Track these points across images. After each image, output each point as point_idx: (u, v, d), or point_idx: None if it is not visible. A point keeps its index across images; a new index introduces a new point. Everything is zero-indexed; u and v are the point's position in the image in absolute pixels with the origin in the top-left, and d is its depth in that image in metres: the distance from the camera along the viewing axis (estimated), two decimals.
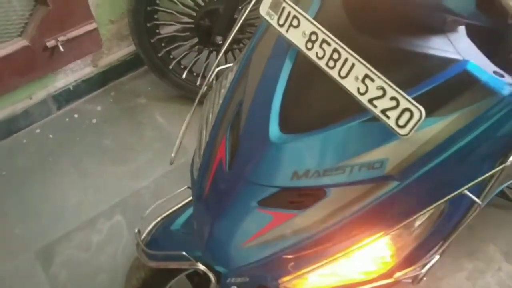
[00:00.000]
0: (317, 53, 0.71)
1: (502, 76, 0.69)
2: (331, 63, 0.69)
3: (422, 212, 0.72)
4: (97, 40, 1.81)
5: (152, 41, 1.78)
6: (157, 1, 1.70)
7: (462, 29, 0.74)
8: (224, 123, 0.86)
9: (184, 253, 0.99)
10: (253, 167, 0.79)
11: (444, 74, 0.68)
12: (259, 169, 0.78)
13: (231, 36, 0.97)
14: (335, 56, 0.69)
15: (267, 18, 0.77)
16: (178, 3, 1.72)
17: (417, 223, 0.78)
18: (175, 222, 1.12)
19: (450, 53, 0.70)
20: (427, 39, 0.71)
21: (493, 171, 0.69)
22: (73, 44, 1.71)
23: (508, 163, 0.68)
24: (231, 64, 0.98)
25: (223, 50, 0.96)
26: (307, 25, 0.71)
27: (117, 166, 1.83)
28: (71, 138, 1.91)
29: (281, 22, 0.74)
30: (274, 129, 0.76)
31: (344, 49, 0.67)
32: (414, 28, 0.71)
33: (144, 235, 1.13)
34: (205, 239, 0.88)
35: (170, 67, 1.86)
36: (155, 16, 1.74)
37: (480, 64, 0.69)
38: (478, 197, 0.73)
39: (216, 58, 0.94)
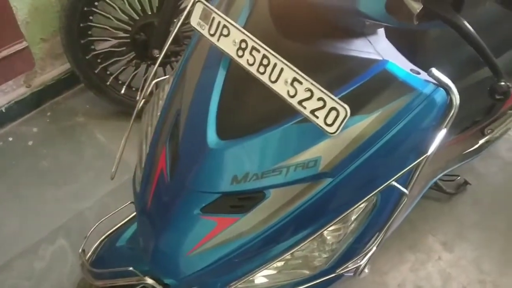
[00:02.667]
0: (247, 60, 0.74)
1: (418, 73, 0.75)
2: (262, 69, 0.72)
3: (355, 206, 0.76)
4: (29, 59, 1.75)
5: (87, 57, 1.75)
6: (90, 17, 1.68)
7: (381, 31, 0.80)
8: (163, 134, 0.87)
9: (131, 268, 0.98)
10: (193, 175, 0.80)
11: (366, 74, 0.73)
12: (200, 176, 0.80)
13: (165, 49, 0.98)
14: (265, 62, 0.72)
15: (198, 28, 0.79)
16: (112, 18, 1.71)
17: (353, 217, 0.82)
18: (120, 239, 1.10)
19: (370, 54, 0.75)
20: (349, 42, 0.76)
21: (416, 162, 0.74)
22: (2, 65, 1.65)
23: (429, 153, 0.74)
24: (167, 76, 0.99)
25: (158, 63, 0.97)
26: (237, 34, 0.74)
27: (57, 188, 1.77)
28: (6, 162, 1.83)
29: (212, 32, 0.77)
30: (212, 136, 0.78)
31: (272, 55, 0.71)
32: (336, 32, 0.76)
33: (89, 254, 1.11)
34: (151, 252, 0.88)
35: (108, 83, 1.83)
36: (89, 32, 1.72)
37: (398, 63, 0.74)
38: (406, 187, 0.78)
39: (152, 71, 0.94)
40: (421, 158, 0.74)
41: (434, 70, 0.73)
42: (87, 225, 1.69)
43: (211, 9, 0.76)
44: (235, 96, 0.79)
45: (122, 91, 1.86)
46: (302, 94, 0.69)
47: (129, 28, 1.75)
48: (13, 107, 1.88)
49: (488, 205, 1.84)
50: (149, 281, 0.97)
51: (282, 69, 0.70)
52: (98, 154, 1.86)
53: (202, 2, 0.77)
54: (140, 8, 1.72)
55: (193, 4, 0.79)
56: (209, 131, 0.78)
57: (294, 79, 0.70)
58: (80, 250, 1.08)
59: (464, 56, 1.19)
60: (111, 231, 1.13)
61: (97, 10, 1.67)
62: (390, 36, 0.81)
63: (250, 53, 0.73)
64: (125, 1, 1.68)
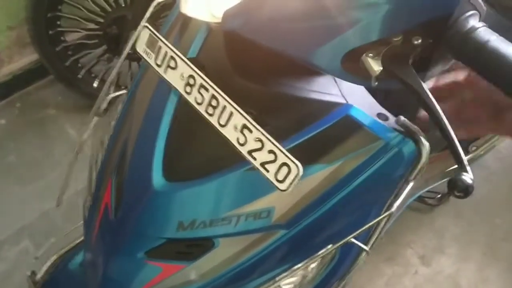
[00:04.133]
0: (196, 98, 0.65)
1: (387, 118, 0.67)
2: (211, 110, 0.64)
3: (310, 261, 0.69)
4: None
5: (57, 49, 1.66)
6: (59, 7, 1.58)
7: None
8: (110, 164, 0.80)
9: None
10: (137, 217, 0.73)
11: (327, 119, 0.66)
12: (143, 218, 0.73)
13: (121, 60, 0.89)
14: (214, 102, 0.64)
15: (145, 56, 0.70)
16: (83, 9, 1.61)
17: (312, 266, 0.76)
18: (73, 261, 1.04)
19: (333, 96, 0.67)
20: (311, 81, 0.68)
21: (378, 218, 0.67)
22: None
23: (393, 209, 0.67)
24: (123, 92, 0.91)
25: (116, 69, 0.88)
26: (185, 67, 0.66)
27: (23, 185, 1.70)
28: None
29: (158, 62, 0.68)
30: (157, 177, 0.71)
31: (222, 96, 0.63)
32: (298, 69, 0.67)
33: (39, 275, 1.05)
34: (97, 285, 0.83)
35: (79, 76, 1.74)
36: (58, 23, 1.62)
37: (364, 106, 0.67)
38: (367, 243, 0.71)
39: (107, 79, 0.86)
40: (384, 215, 0.67)
41: (402, 118, 0.65)
42: (53, 225, 1.63)
43: (157, 36, 0.67)
44: (184, 134, 0.71)
45: (95, 85, 1.77)
46: (252, 144, 0.62)
47: (101, 20, 1.65)
48: None
49: (469, 217, 1.79)
50: None
51: (231, 113, 0.62)
52: (68, 150, 1.78)
53: (148, 28, 0.69)
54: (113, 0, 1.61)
55: (141, 29, 0.70)
56: (155, 171, 0.71)
57: (244, 126, 0.62)
58: (29, 273, 1.02)
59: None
60: (63, 251, 1.07)
61: (67, 0, 1.57)
62: None
63: (199, 91, 0.65)
64: None
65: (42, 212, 1.64)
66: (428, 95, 0.51)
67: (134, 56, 1.60)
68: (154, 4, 0.79)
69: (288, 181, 0.60)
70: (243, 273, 0.72)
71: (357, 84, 0.59)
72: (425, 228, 1.75)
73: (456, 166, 1.40)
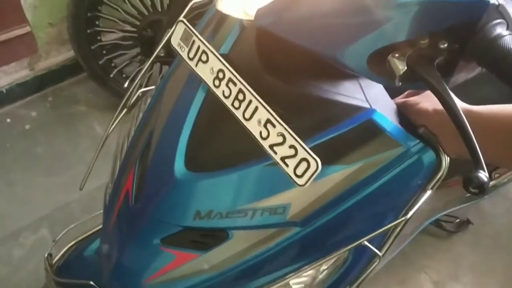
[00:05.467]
0: (223, 91, 0.68)
1: (409, 126, 0.68)
2: (237, 104, 0.66)
3: (323, 261, 0.70)
4: (31, 44, 1.73)
5: (92, 48, 1.72)
6: (99, 7, 1.64)
7: None
8: (135, 153, 0.83)
9: (91, 283, 0.94)
10: (156, 204, 0.75)
11: (350, 122, 0.67)
12: (163, 206, 0.75)
13: (155, 54, 0.93)
14: (240, 96, 0.66)
15: (178, 50, 0.73)
16: (121, 11, 1.66)
17: (323, 268, 0.77)
18: (89, 248, 1.06)
19: (357, 101, 0.68)
20: (337, 84, 0.69)
21: (393, 223, 0.67)
22: (3, 48, 1.62)
23: (408, 216, 0.67)
24: (153, 87, 0.94)
25: (143, 70, 0.92)
26: (215, 62, 0.68)
27: (48, 176, 1.75)
28: (1, 144, 1.81)
29: (191, 55, 0.71)
30: (179, 166, 0.73)
31: (248, 90, 0.65)
32: (325, 72, 0.69)
33: (56, 259, 1.07)
34: (109, 271, 0.85)
35: (111, 75, 1.80)
36: (97, 23, 1.68)
37: (387, 113, 0.68)
38: (381, 248, 0.71)
39: (138, 76, 0.89)
40: (398, 220, 0.67)
41: (424, 128, 0.66)
42: (72, 217, 1.66)
43: (192, 31, 0.70)
44: (209, 126, 0.73)
45: (125, 85, 1.82)
46: (274, 138, 0.63)
47: (137, 23, 1.70)
48: (15, 89, 1.86)
49: (488, 248, 1.75)
50: None
51: (256, 108, 0.64)
52: (94, 146, 1.81)
53: (184, 23, 0.72)
54: (150, 3, 1.67)
55: (177, 23, 0.73)
56: (178, 161, 0.73)
57: (268, 121, 0.63)
58: (46, 255, 1.05)
59: (479, 100, 1.11)
60: (81, 237, 1.09)
61: (106, 1, 1.63)
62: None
63: (227, 84, 0.67)
64: None
65: (64, 204, 1.69)
66: (451, 98, 0.52)
67: (166, 60, 1.66)
68: (191, 3, 0.83)
69: (306, 176, 0.61)
70: (254, 268, 0.73)
71: (381, 83, 0.60)
72: (441, 254, 1.72)
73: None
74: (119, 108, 0.97)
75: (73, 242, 1.08)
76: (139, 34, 1.72)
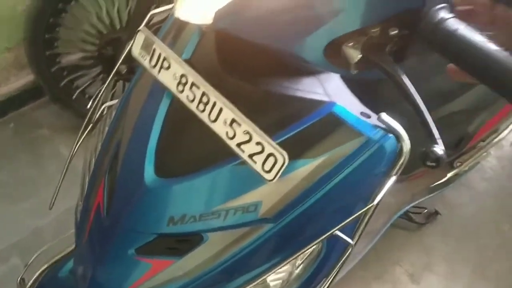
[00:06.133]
0: (187, 96, 0.69)
1: (369, 116, 0.71)
2: (201, 107, 0.68)
3: (297, 254, 0.71)
4: None
5: (52, 70, 1.70)
6: (57, 29, 1.63)
7: None
8: (103, 166, 0.83)
9: None
10: (129, 213, 0.75)
11: (312, 116, 0.69)
12: (135, 215, 0.75)
13: (115, 69, 0.95)
14: (205, 99, 0.67)
15: (140, 58, 0.74)
16: (79, 31, 1.66)
17: (298, 262, 0.78)
18: (63, 269, 1.04)
19: (318, 95, 0.71)
20: (297, 81, 0.72)
21: (362, 211, 0.70)
22: None
23: (375, 202, 0.70)
24: (117, 101, 0.95)
25: (105, 85, 0.93)
26: (177, 68, 0.70)
27: (14, 203, 1.70)
28: None
29: (152, 63, 0.72)
30: (149, 173, 0.74)
31: (212, 92, 0.66)
32: (284, 70, 0.72)
33: (29, 284, 1.05)
34: (86, 285, 0.84)
35: (74, 97, 1.78)
36: (55, 44, 1.66)
37: (347, 105, 0.71)
38: (353, 237, 0.74)
39: (100, 93, 0.90)
40: (367, 207, 0.70)
41: (384, 115, 0.69)
42: (44, 242, 1.62)
43: (152, 39, 0.72)
44: (176, 132, 0.75)
45: (88, 106, 1.80)
46: (241, 137, 0.65)
47: (97, 42, 1.70)
48: None
49: (457, 236, 1.81)
50: None
51: (221, 109, 0.66)
52: (61, 168, 1.78)
53: (143, 31, 0.73)
54: (109, 22, 1.67)
55: (137, 33, 0.74)
56: (147, 168, 0.74)
57: (233, 120, 0.65)
58: (19, 279, 1.02)
59: (430, 90, 1.16)
60: (54, 259, 1.07)
61: (64, 22, 1.62)
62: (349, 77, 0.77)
63: (190, 89, 0.69)
64: (94, 14, 1.63)
65: (34, 230, 1.65)
66: (403, 80, 0.55)
67: (128, 77, 1.66)
68: (151, 13, 0.84)
69: (274, 171, 0.63)
70: (231, 269, 0.74)
71: (339, 73, 0.63)
72: (414, 247, 1.76)
73: (443, 180, 1.44)
74: (83, 125, 0.97)
75: (46, 265, 1.06)
76: (99, 53, 1.71)
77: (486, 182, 1.99)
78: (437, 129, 1.29)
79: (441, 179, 1.45)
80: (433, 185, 1.44)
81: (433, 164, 0.56)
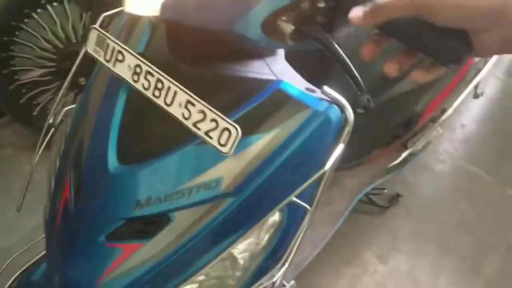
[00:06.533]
0: (143, 84, 0.74)
1: (313, 91, 0.77)
2: (157, 93, 0.73)
3: (259, 223, 0.76)
4: None
5: (11, 88, 1.70)
6: (11, 47, 1.64)
7: (281, 52, 0.82)
8: (68, 162, 0.86)
9: None
10: (96, 201, 0.79)
11: (261, 95, 0.75)
12: (102, 202, 0.78)
13: (70, 76, 0.98)
14: (159, 85, 0.72)
15: (95, 55, 0.79)
16: (36, 48, 1.67)
17: (262, 234, 0.83)
18: (36, 272, 1.06)
19: (266, 75, 0.76)
20: (245, 64, 0.77)
21: (314, 177, 0.75)
22: None
23: (326, 168, 0.75)
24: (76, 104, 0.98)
25: (62, 90, 0.96)
26: (131, 59, 0.74)
27: None
28: None
29: (107, 58, 0.77)
30: (112, 162, 0.77)
31: (166, 78, 0.71)
32: (232, 54, 0.77)
33: None
34: (60, 283, 0.86)
35: (35, 113, 1.78)
36: (12, 62, 1.67)
37: (293, 82, 0.77)
38: (311, 204, 0.79)
39: (58, 99, 0.93)
40: (319, 173, 0.75)
41: (326, 88, 0.75)
42: (14, 262, 1.61)
43: (105, 35, 0.76)
44: (136, 121, 0.79)
45: (51, 121, 1.81)
46: (196, 116, 0.70)
47: (54, 57, 1.71)
48: None
49: (419, 216, 1.91)
50: None
51: (175, 92, 0.71)
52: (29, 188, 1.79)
53: (96, 29, 0.77)
54: (64, 36, 1.69)
55: (90, 31, 0.79)
56: (110, 157, 0.77)
57: (188, 102, 0.70)
58: None
59: (378, 72, 1.24)
60: (26, 266, 1.09)
61: (19, 40, 1.63)
62: (294, 59, 0.84)
63: (145, 77, 0.73)
64: (48, 30, 1.65)
65: (2, 249, 1.63)
66: (333, 44, 0.61)
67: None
68: (103, 15, 0.89)
69: (229, 144, 0.68)
70: (199, 245, 0.78)
71: (278, 47, 0.68)
72: (379, 230, 1.85)
73: (398, 160, 1.53)
74: (44, 131, 1.00)
75: (18, 272, 1.07)
76: (57, 68, 1.72)
77: (442, 164, 2.10)
78: (387, 110, 1.38)
79: (396, 160, 1.53)
80: (389, 166, 1.53)
81: (363, 111, 0.62)
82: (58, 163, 0.92)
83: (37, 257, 1.09)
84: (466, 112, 2.33)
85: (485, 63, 1.57)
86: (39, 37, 1.65)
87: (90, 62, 1.64)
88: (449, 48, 0.54)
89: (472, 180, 2.06)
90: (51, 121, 1.03)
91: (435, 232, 1.86)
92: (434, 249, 1.81)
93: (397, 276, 1.72)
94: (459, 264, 1.77)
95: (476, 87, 1.63)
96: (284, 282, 1.05)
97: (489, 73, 1.97)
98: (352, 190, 1.44)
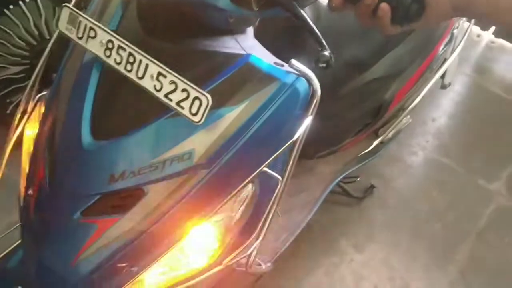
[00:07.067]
0: (115, 59, 0.75)
1: (282, 65, 0.80)
2: (129, 67, 0.74)
3: (232, 194, 0.78)
4: None
5: None
6: None
7: (250, 30, 0.85)
8: (42, 144, 0.86)
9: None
10: (70, 178, 0.80)
11: (231, 68, 0.77)
12: (76, 178, 0.79)
13: (40, 65, 0.99)
14: (131, 59, 0.74)
15: (67, 33, 0.80)
16: (8, 45, 1.66)
17: (236, 207, 0.85)
18: (11, 260, 1.05)
19: (235, 50, 0.79)
20: (216, 40, 0.80)
21: (284, 147, 0.78)
22: None
23: (294, 138, 0.78)
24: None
25: (34, 76, 0.97)
26: (104, 35, 0.76)
27: None
28: None
29: (79, 35, 0.78)
30: (86, 138, 0.78)
31: (137, 51, 0.73)
32: (203, 31, 0.79)
33: None
34: (35, 267, 0.86)
35: (8, 111, 1.77)
36: None
37: (262, 57, 0.79)
38: (283, 174, 0.82)
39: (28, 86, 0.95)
40: (288, 143, 0.78)
41: (294, 61, 0.78)
42: None
43: (77, 13, 0.78)
44: (108, 97, 0.80)
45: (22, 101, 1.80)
46: (167, 87, 0.72)
47: (27, 54, 1.71)
48: None
49: (393, 206, 1.95)
50: None
51: (147, 65, 0.73)
52: (2, 184, 1.77)
53: (68, 7, 0.79)
54: (37, 33, 1.69)
55: (60, 9, 0.80)
56: (84, 134, 0.79)
57: (159, 74, 0.72)
58: None
59: (347, 61, 1.28)
60: (3, 254, 1.08)
61: None
62: (262, 36, 0.86)
63: (117, 52, 0.75)
64: (21, 26, 1.64)
65: None
66: (298, 8, 0.64)
67: None
68: None
69: (200, 112, 0.71)
70: (175, 217, 0.80)
71: (245, 15, 0.71)
72: (355, 220, 1.88)
73: (369, 149, 1.56)
74: (17, 118, 1.00)
75: None
76: (31, 65, 1.72)
77: (414, 156, 2.16)
78: (357, 97, 1.41)
79: (368, 148, 1.57)
80: (361, 154, 1.56)
81: (324, 65, 0.66)
82: (31, 149, 0.93)
83: (12, 246, 1.08)
84: (437, 106, 2.39)
85: (451, 53, 1.63)
86: (12, 34, 1.65)
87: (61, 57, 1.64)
88: (404, 6, 0.58)
89: (443, 171, 2.12)
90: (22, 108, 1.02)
91: (408, 221, 1.91)
92: (407, 237, 1.85)
93: (373, 264, 1.75)
94: (432, 251, 1.82)
95: (442, 77, 1.69)
96: (260, 262, 1.08)
97: (458, 69, 2.04)
98: (326, 177, 1.48)
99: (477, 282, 1.77)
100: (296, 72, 0.78)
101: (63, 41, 1.59)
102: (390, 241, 1.83)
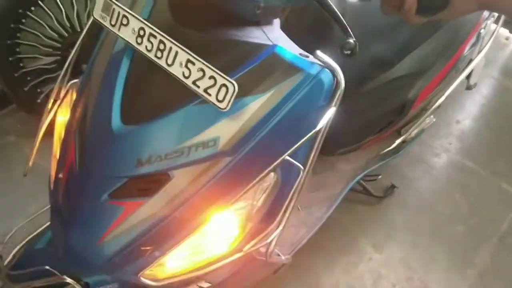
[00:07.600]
0: (146, 46, 0.78)
1: (307, 56, 0.81)
2: (159, 54, 0.77)
3: (253, 183, 0.80)
4: None
5: (16, 75, 1.74)
6: (17, 34, 1.68)
7: (276, 22, 0.87)
8: (72, 129, 0.89)
9: (47, 267, 0.97)
10: (99, 161, 0.83)
11: (258, 58, 0.79)
12: (105, 161, 0.82)
13: (73, 53, 1.02)
14: (161, 47, 0.77)
15: (101, 20, 0.83)
16: (41, 36, 1.72)
17: (258, 195, 0.87)
18: (40, 241, 1.09)
19: (262, 40, 0.81)
20: (243, 30, 0.82)
21: (307, 136, 0.79)
22: None
23: (317, 128, 0.79)
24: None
25: (66, 66, 1.00)
26: (136, 23, 0.79)
27: None
28: None
29: (112, 22, 0.81)
30: (116, 122, 0.81)
31: (168, 39, 0.76)
32: (232, 21, 0.81)
33: (8, 259, 1.09)
34: (62, 246, 0.89)
35: (39, 101, 1.83)
36: (17, 50, 1.71)
37: (288, 48, 0.81)
38: (305, 164, 0.83)
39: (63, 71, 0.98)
40: (311, 133, 0.79)
41: (319, 53, 0.80)
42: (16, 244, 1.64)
43: (111, 1, 0.80)
44: (139, 83, 0.83)
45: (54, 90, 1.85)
46: (195, 74, 0.74)
47: (59, 45, 1.76)
48: None
49: (414, 207, 1.94)
50: (68, 279, 0.96)
51: (176, 52, 0.75)
52: (29, 172, 1.82)
53: None
54: (69, 25, 1.74)
55: None
56: (114, 118, 0.81)
57: (188, 61, 0.74)
58: None
59: (372, 57, 1.29)
60: (31, 235, 1.12)
61: (25, 27, 1.68)
62: (289, 29, 0.88)
63: (148, 39, 0.78)
64: (54, 18, 1.69)
65: (6, 231, 1.66)
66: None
67: None
68: None
69: (227, 99, 0.73)
70: (198, 203, 0.82)
71: (272, 4, 0.73)
72: (375, 219, 1.88)
73: (392, 147, 1.56)
74: (50, 105, 1.04)
75: (23, 242, 1.11)
76: (62, 56, 1.77)
77: (437, 157, 2.14)
78: (381, 95, 1.41)
79: (390, 146, 1.57)
80: (383, 152, 1.56)
81: (349, 52, 0.67)
82: (62, 133, 0.96)
83: (40, 228, 1.12)
84: (461, 108, 2.37)
85: (478, 53, 1.62)
86: (45, 25, 1.70)
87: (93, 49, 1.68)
88: None
89: (466, 174, 2.09)
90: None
91: (428, 222, 1.89)
92: (427, 239, 1.84)
93: (391, 264, 1.74)
94: (452, 253, 1.80)
95: (468, 78, 1.67)
96: (279, 253, 1.09)
97: (484, 71, 2.02)
98: (347, 174, 1.48)
99: (496, 287, 1.75)
100: (321, 63, 0.80)
101: (94, 34, 1.64)
102: (409, 241, 1.82)
